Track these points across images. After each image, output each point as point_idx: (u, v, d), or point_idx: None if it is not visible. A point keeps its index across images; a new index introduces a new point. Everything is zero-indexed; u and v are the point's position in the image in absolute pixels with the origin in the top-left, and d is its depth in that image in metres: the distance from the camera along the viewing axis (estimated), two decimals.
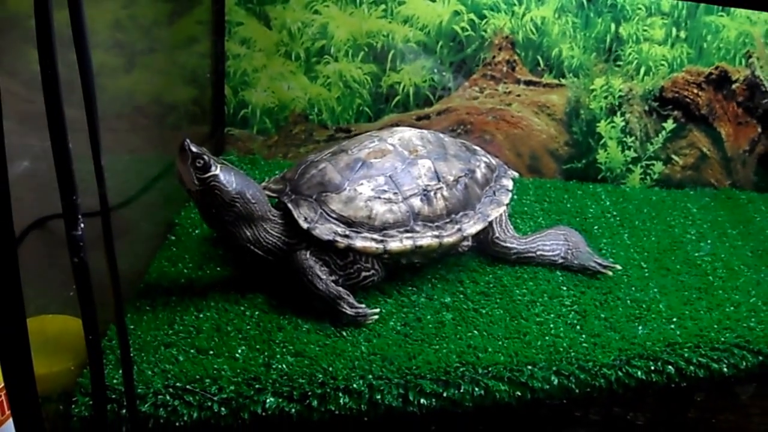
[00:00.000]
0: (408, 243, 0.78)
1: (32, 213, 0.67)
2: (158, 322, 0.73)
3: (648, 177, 1.15)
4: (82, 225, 0.50)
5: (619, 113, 1.10)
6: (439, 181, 0.81)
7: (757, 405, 0.75)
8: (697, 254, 0.96)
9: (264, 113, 1.06)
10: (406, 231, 0.78)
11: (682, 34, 1.08)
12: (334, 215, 0.76)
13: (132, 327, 0.72)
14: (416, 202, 0.79)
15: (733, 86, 1.12)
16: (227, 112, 1.06)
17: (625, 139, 1.12)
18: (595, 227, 0.99)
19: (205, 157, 0.71)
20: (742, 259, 0.97)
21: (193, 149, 0.70)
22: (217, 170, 0.71)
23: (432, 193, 0.80)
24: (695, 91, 1.11)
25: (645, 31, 1.07)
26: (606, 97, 1.09)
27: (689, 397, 0.74)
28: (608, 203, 1.06)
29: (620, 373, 0.74)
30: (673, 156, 1.14)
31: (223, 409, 0.65)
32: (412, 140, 0.84)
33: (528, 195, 1.06)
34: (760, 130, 1.15)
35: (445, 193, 0.81)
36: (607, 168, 1.13)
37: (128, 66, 0.99)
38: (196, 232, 0.89)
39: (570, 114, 1.10)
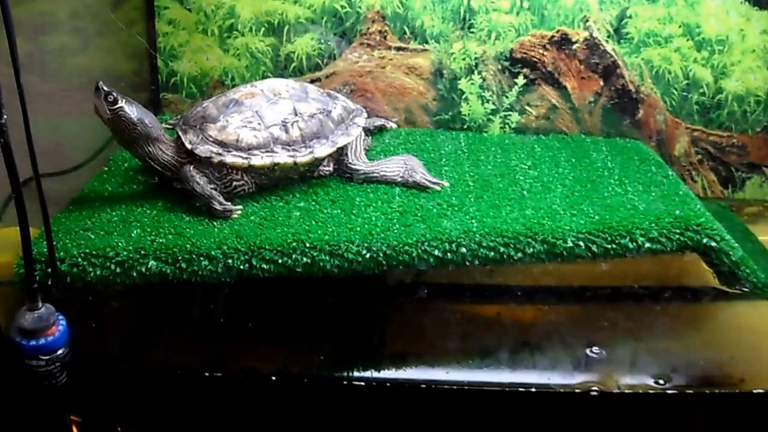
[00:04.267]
0: (267, 160, 1.04)
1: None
2: (81, 217, 1.00)
3: (507, 126, 1.38)
4: (6, 117, 0.77)
5: (476, 72, 1.35)
6: (296, 115, 1.07)
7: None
8: (522, 177, 1.19)
9: (190, 80, 1.34)
10: (267, 152, 1.04)
11: (525, 4, 1.31)
12: (211, 139, 1.02)
13: (63, 220, 0.99)
14: (276, 130, 1.05)
15: (574, 46, 1.35)
16: (161, 80, 1.34)
17: (483, 94, 1.36)
18: (443, 159, 1.23)
19: (114, 93, 0.98)
20: (562, 181, 1.18)
21: (105, 88, 0.97)
22: (122, 103, 0.98)
23: (289, 124, 1.06)
24: (541, 51, 1.34)
25: (492, 3, 1.31)
26: (464, 59, 1.34)
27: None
28: (463, 144, 1.30)
29: (419, 251, 0.98)
30: (527, 107, 1.38)
31: (117, 268, 0.92)
32: (277, 86, 1.10)
33: (398, 140, 1.30)
34: (602, 83, 1.37)
35: (301, 125, 1.07)
36: (471, 119, 1.37)
37: (84, 46, 1.27)
38: (125, 165, 1.17)
39: (435, 74, 1.35)
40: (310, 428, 0.90)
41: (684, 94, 1.38)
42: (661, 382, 0.86)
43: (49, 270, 0.89)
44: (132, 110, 0.98)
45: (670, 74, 1.37)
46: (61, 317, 0.84)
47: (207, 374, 0.86)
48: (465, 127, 1.38)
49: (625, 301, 1.08)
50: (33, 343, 0.79)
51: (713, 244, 1.06)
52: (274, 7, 1.29)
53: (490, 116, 1.38)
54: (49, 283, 0.90)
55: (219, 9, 1.29)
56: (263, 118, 1.04)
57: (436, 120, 1.38)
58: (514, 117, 1.38)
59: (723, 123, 1.40)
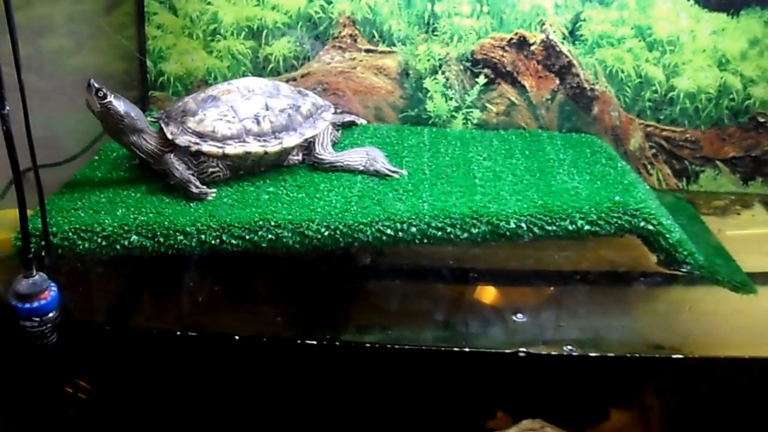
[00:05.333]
0: (240, 149, 1.15)
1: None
2: (73, 198, 1.12)
3: (469, 122, 1.49)
4: (8, 108, 0.88)
5: (440, 72, 1.46)
6: (268, 110, 1.18)
7: None
8: (476, 168, 1.29)
9: (176, 80, 1.47)
10: (240, 142, 1.15)
11: (485, 9, 1.43)
12: (190, 130, 1.14)
13: (56, 201, 1.11)
14: (248, 123, 1.16)
15: (532, 48, 1.45)
16: (150, 79, 1.46)
17: (447, 92, 1.47)
18: (405, 151, 1.33)
19: (104, 89, 1.09)
20: (514, 171, 1.28)
21: (96, 84, 1.09)
22: (111, 98, 1.10)
23: (261, 118, 1.17)
24: (500, 52, 1.45)
25: (454, 8, 1.42)
26: (428, 60, 1.45)
27: None
28: (426, 138, 1.41)
29: (373, 230, 1.08)
30: (488, 104, 1.48)
31: (103, 242, 1.03)
32: (252, 84, 1.21)
33: (365, 134, 1.41)
34: (558, 82, 1.48)
35: (272, 118, 1.18)
36: (436, 115, 1.48)
37: (78, 48, 1.40)
38: (114, 155, 1.29)
39: (402, 74, 1.46)
40: (274, 384, 1.01)
41: (636, 92, 1.48)
42: (569, 347, 0.97)
43: (43, 243, 1.01)
44: (120, 104, 1.10)
45: (623, 73, 1.47)
46: (52, 284, 0.94)
47: (181, 334, 0.97)
48: (430, 123, 1.49)
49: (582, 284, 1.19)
50: (27, 306, 0.89)
51: (650, 227, 1.15)
52: (253, 13, 1.42)
53: (453, 113, 1.49)
54: (43, 254, 1.01)
55: (203, 15, 1.42)
56: (237, 112, 1.16)
57: (403, 117, 1.49)
58: (476, 114, 1.49)
59: (675, 119, 1.50)
